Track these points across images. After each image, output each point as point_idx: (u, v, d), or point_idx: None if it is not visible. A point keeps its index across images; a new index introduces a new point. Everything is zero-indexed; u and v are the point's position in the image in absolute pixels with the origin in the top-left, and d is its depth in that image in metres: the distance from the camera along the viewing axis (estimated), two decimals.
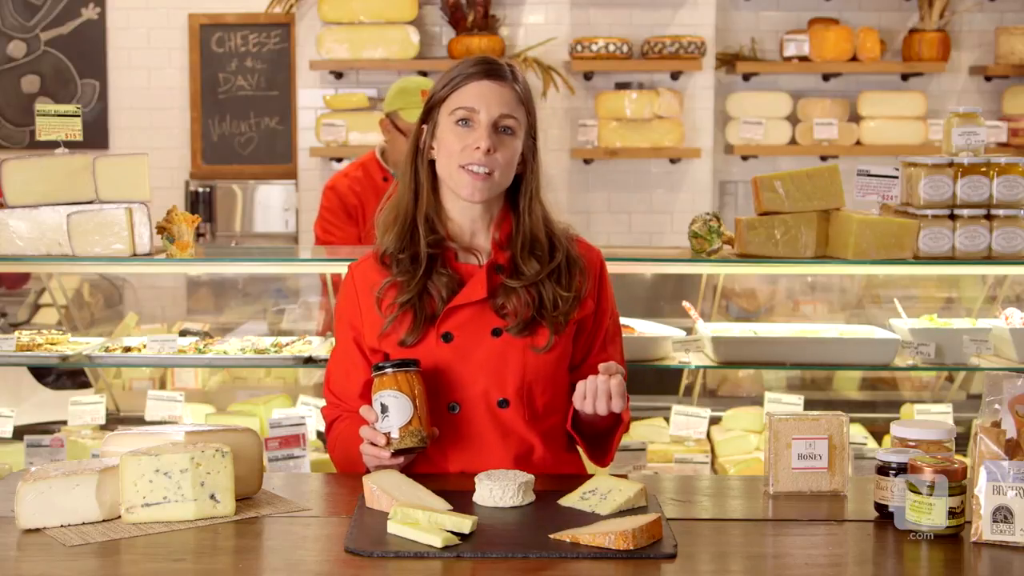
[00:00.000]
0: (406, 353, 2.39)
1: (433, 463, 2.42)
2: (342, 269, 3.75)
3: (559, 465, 2.47)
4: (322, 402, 3.55)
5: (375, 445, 2.26)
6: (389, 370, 2.25)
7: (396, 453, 2.25)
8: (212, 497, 2.10)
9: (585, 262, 2.49)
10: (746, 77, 6.39)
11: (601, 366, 2.31)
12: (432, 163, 2.45)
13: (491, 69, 2.41)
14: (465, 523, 1.97)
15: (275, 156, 6.46)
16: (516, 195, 2.46)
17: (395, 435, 2.24)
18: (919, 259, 3.36)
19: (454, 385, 2.40)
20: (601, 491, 2.17)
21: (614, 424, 2.42)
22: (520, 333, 2.40)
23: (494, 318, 2.41)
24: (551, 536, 1.97)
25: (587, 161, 6.29)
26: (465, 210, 2.45)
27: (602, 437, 2.47)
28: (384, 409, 2.24)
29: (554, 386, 2.45)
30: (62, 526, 2.06)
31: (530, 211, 2.45)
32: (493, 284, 2.42)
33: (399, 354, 2.39)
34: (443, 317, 2.40)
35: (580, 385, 2.32)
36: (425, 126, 2.46)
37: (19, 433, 3.60)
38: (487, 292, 2.40)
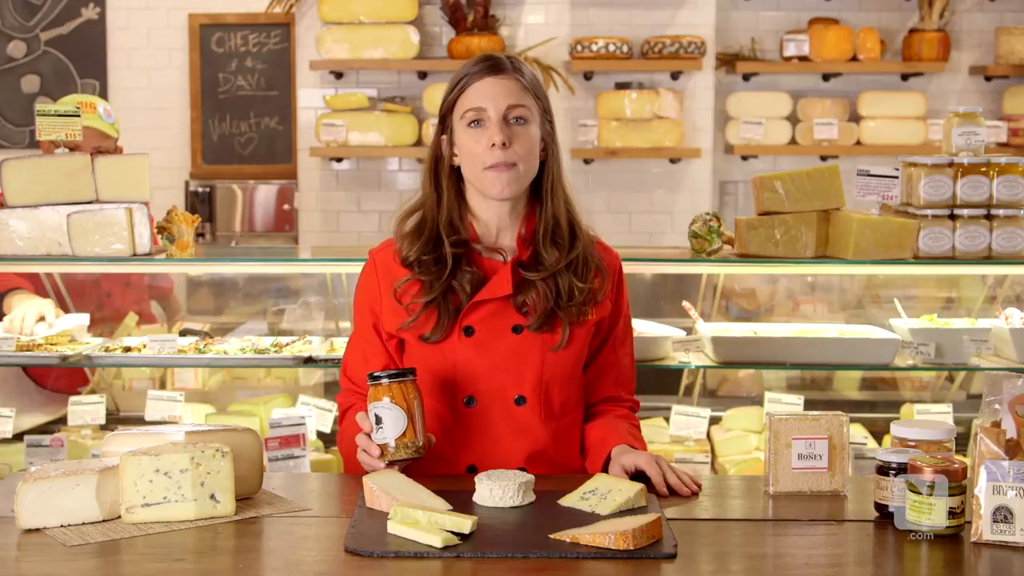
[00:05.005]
0: (427, 347, 2.40)
1: (444, 457, 2.43)
2: (342, 270, 3.78)
3: (571, 464, 2.48)
4: (322, 402, 3.58)
5: (369, 454, 2.26)
6: (384, 380, 2.24)
7: (391, 464, 2.26)
8: (212, 497, 2.10)
9: (605, 264, 2.51)
10: (746, 77, 6.39)
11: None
12: (457, 169, 2.46)
13: (491, 65, 2.42)
14: (465, 523, 1.96)
15: (275, 156, 6.47)
16: (539, 184, 2.47)
17: (390, 446, 2.24)
18: (919, 259, 3.36)
19: (472, 379, 2.41)
20: (601, 491, 2.17)
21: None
22: (539, 330, 2.41)
23: (515, 315, 2.42)
24: (551, 536, 1.97)
25: (587, 161, 6.29)
26: (492, 208, 2.45)
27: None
28: (379, 420, 2.24)
29: (571, 385, 2.47)
30: (62, 526, 2.06)
31: (552, 194, 2.46)
32: (516, 280, 2.43)
33: (419, 346, 2.41)
34: (466, 311, 2.41)
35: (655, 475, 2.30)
36: (444, 136, 2.47)
37: (19, 433, 3.60)
38: (512, 288, 2.41)
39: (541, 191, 2.47)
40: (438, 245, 2.43)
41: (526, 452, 2.42)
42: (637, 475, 2.31)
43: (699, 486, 2.30)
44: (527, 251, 2.45)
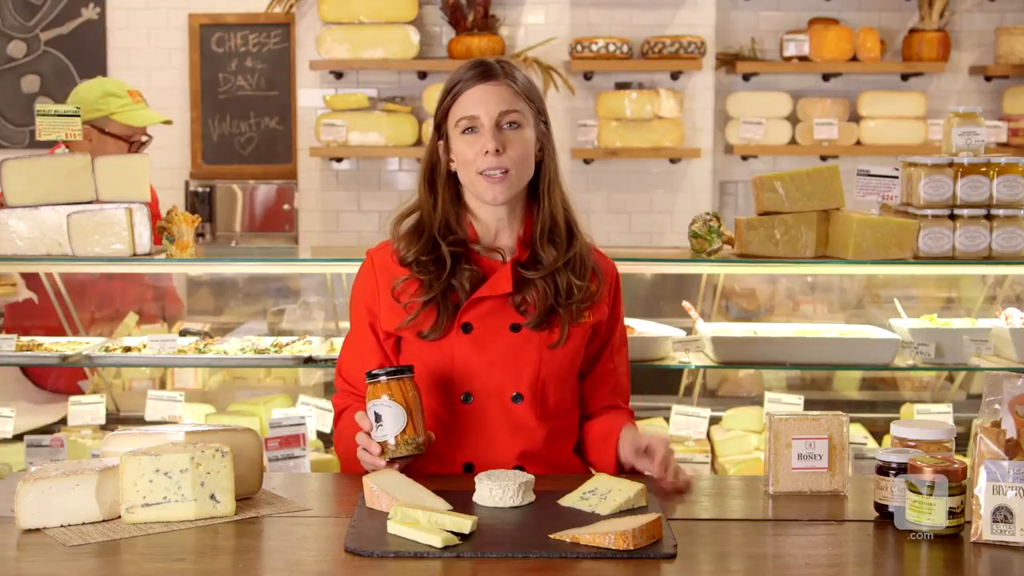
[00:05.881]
0: (425, 344, 2.42)
1: (440, 454, 2.43)
2: (342, 270, 3.78)
3: (563, 465, 2.49)
4: (322, 402, 3.58)
5: (370, 452, 2.27)
6: (383, 378, 2.25)
7: (391, 461, 2.26)
8: (212, 497, 2.10)
9: (601, 269, 2.53)
10: (746, 77, 6.39)
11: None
12: (454, 174, 2.49)
13: (482, 72, 2.44)
14: (465, 523, 1.97)
15: (275, 156, 6.47)
16: (537, 184, 2.49)
17: (391, 443, 2.25)
18: (919, 259, 3.36)
19: (469, 376, 2.42)
20: (601, 491, 2.17)
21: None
22: (538, 327, 2.43)
23: (514, 313, 2.44)
24: (551, 536, 1.97)
25: (587, 161, 6.29)
26: (491, 209, 2.48)
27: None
28: (378, 418, 2.25)
29: (566, 385, 2.49)
30: (62, 526, 2.06)
31: (550, 194, 2.49)
32: (515, 279, 2.44)
33: (417, 343, 2.42)
34: (465, 308, 2.43)
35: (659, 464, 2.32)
36: (441, 142, 2.49)
37: (19, 433, 3.60)
38: (512, 287, 2.43)
39: (538, 191, 2.49)
40: (436, 247, 2.45)
41: (521, 450, 2.43)
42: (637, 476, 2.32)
43: (688, 484, 2.31)
44: (526, 251, 2.47)
